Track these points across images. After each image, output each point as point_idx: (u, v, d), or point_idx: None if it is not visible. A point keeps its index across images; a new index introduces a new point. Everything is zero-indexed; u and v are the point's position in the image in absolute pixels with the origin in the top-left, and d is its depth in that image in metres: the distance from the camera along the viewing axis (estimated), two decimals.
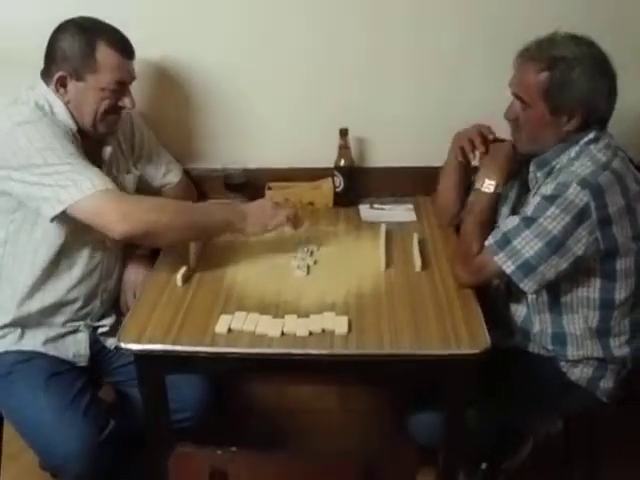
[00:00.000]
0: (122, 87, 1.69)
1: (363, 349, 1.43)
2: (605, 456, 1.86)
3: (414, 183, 2.10)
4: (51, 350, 1.73)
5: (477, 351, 1.41)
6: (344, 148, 2.04)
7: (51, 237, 1.67)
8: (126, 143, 1.89)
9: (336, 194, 2.08)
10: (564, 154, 1.58)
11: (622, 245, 1.54)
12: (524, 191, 1.72)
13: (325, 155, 2.05)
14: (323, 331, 1.46)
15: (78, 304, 1.77)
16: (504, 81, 1.88)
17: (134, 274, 1.86)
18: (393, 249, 1.80)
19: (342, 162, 2.04)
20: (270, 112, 2.09)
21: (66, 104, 1.65)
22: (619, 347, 1.66)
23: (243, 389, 2.37)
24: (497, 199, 1.67)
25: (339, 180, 2.05)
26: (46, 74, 1.66)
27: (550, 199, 1.50)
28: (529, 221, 1.52)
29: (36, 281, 1.70)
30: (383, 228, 1.87)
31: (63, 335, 1.77)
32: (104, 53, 1.63)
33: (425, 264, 1.71)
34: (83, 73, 1.63)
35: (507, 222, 1.57)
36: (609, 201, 1.49)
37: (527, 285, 1.54)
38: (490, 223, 1.67)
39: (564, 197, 1.48)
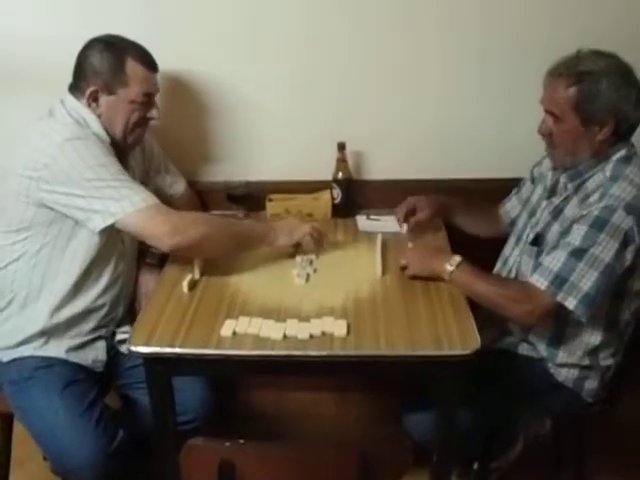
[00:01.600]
0: (149, 99, 1.77)
1: (360, 350, 1.49)
2: (592, 455, 1.92)
3: (409, 195, 2.09)
4: (72, 357, 1.78)
5: (468, 352, 1.47)
6: (342, 161, 2.09)
7: (86, 249, 1.73)
8: (140, 155, 1.95)
9: (334, 206, 2.13)
10: (597, 168, 1.63)
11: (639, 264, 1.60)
12: (544, 196, 1.78)
13: (324, 168, 2.10)
14: (323, 334, 1.53)
15: (105, 310, 1.83)
16: (497, 97, 1.97)
17: (145, 282, 1.93)
18: (389, 257, 1.86)
19: (340, 175, 2.10)
20: (271, 127, 2.14)
21: (98, 117, 1.72)
22: (604, 359, 1.73)
23: (243, 395, 2.42)
24: (465, 262, 1.68)
25: (337, 192, 2.11)
26: (76, 89, 1.73)
27: (598, 226, 1.53)
28: (580, 253, 1.54)
29: (69, 291, 1.76)
30: (379, 237, 1.93)
31: (86, 343, 1.81)
32: (133, 67, 1.71)
33: None
34: (114, 87, 1.71)
35: (551, 260, 1.57)
36: None
37: (586, 315, 1.56)
38: (482, 270, 1.69)
39: (611, 223, 1.52)
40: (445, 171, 2.15)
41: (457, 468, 1.98)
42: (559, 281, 1.55)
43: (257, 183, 2.14)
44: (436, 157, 2.16)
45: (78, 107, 1.72)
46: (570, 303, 1.55)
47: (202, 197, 2.19)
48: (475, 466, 1.97)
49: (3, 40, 1.99)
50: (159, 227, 1.64)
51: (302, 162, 2.16)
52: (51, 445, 1.68)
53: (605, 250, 1.53)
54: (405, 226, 1.98)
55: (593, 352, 1.71)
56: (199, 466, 1.23)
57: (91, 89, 1.70)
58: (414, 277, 1.73)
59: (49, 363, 1.75)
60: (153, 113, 1.79)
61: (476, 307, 1.65)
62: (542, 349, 1.75)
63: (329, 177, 2.12)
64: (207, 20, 2.01)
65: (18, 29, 2.00)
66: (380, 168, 2.19)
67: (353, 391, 2.37)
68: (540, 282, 1.57)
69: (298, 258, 1.86)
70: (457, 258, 1.68)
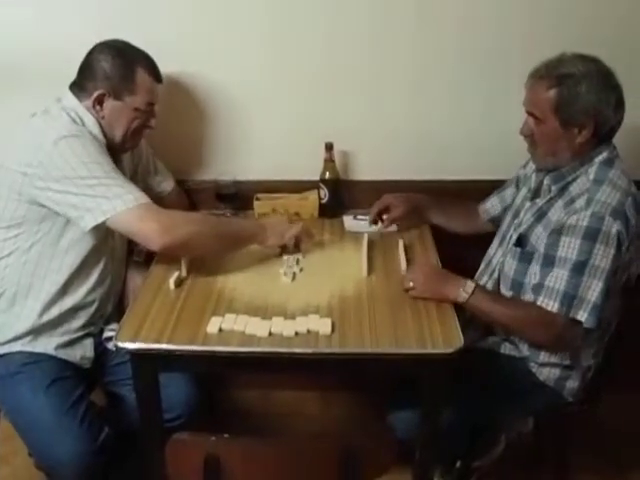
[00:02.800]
0: (151, 108, 1.80)
1: (345, 348, 1.51)
2: (573, 454, 1.94)
3: None
4: (61, 354, 1.79)
5: (451, 351, 1.49)
6: (329, 161, 2.11)
7: (77, 247, 1.74)
8: (129, 153, 1.95)
9: (321, 205, 2.15)
10: (580, 171, 1.65)
11: (621, 266, 1.62)
12: (528, 197, 1.80)
13: (311, 168, 2.12)
14: (308, 331, 1.55)
15: (94, 307, 1.84)
16: (484, 97, 1.99)
17: (132, 279, 1.94)
18: (375, 257, 1.88)
19: (327, 175, 2.12)
20: (259, 127, 2.15)
21: (100, 120, 1.74)
22: (586, 359, 1.75)
23: (229, 393, 2.43)
24: (479, 287, 1.67)
25: (324, 192, 2.13)
26: (81, 89, 1.74)
27: (590, 237, 1.55)
28: (580, 266, 1.56)
29: (59, 288, 1.76)
30: (365, 237, 1.95)
31: (75, 340, 1.82)
32: (142, 77, 1.75)
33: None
34: (121, 93, 1.73)
35: (554, 280, 1.58)
36: (631, 225, 1.58)
37: (595, 324, 1.58)
38: (496, 294, 1.76)
39: (603, 232, 1.54)
40: (432, 172, 2.17)
41: (440, 467, 2.00)
42: (568, 299, 1.57)
43: (245, 182, 2.16)
44: (424, 158, 2.18)
45: (76, 106, 1.73)
46: (582, 317, 1.57)
47: (191, 196, 2.19)
48: (457, 465, 1.99)
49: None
50: (149, 226, 1.63)
51: (290, 162, 2.17)
52: (36, 441, 1.68)
53: (604, 259, 1.55)
54: (375, 226, 2.01)
55: (575, 352, 1.73)
56: (185, 460, 1.24)
57: (99, 92, 1.72)
58: (420, 298, 1.68)
59: (37, 359, 1.75)
60: (152, 122, 1.82)
61: (460, 307, 1.67)
62: (524, 348, 1.77)
63: (317, 177, 2.13)
64: (195, 21, 2.02)
65: (15, 28, 2.01)
66: (367, 168, 2.21)
67: (338, 389, 2.38)
68: (550, 305, 1.59)
69: (285, 257, 1.87)
70: (471, 284, 1.65)
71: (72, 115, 1.72)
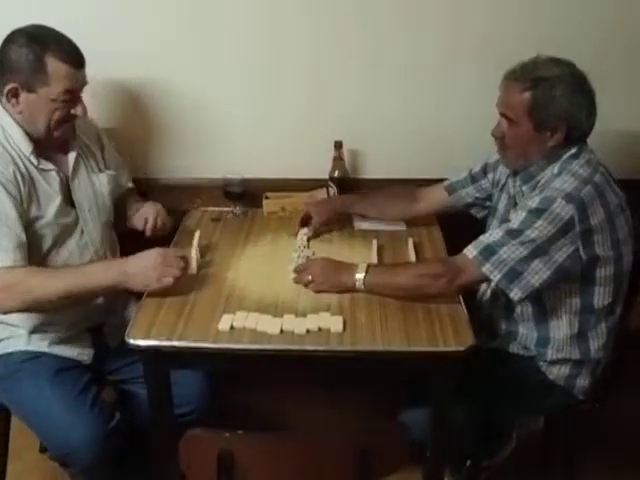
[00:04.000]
0: (72, 96, 1.68)
1: (357, 346, 1.52)
2: (583, 453, 1.94)
3: None
4: (56, 350, 1.77)
5: (462, 349, 1.50)
6: (338, 160, 2.11)
7: (38, 239, 1.70)
8: (94, 146, 1.89)
9: None
10: (547, 169, 1.65)
11: (601, 254, 1.60)
12: (511, 204, 1.79)
13: (320, 166, 2.13)
14: (320, 329, 1.55)
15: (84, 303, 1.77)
16: (492, 98, 1.99)
17: (153, 206, 1.91)
18: (384, 255, 1.89)
19: (336, 173, 2.13)
20: (269, 125, 2.16)
21: (17, 117, 1.67)
22: (596, 351, 1.74)
23: (240, 389, 2.43)
24: (372, 264, 1.72)
25: (333, 190, 2.13)
26: (0, 86, 1.66)
27: (536, 213, 1.55)
28: (515, 233, 1.57)
29: None
30: (374, 236, 1.97)
31: (70, 336, 1.80)
32: (54, 66, 1.62)
33: None
34: (34, 85, 1.63)
35: (487, 235, 1.61)
36: (591, 214, 1.56)
37: (513, 292, 1.58)
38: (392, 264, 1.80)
39: (550, 211, 1.54)
40: (440, 171, 2.15)
41: (450, 466, 2.00)
42: (488, 252, 1.58)
43: (254, 180, 2.16)
44: (432, 156, 2.18)
45: (1, 115, 1.68)
46: (495, 276, 1.58)
47: (199, 194, 2.20)
48: (467, 464, 1.99)
49: None
50: None
51: (299, 160, 2.18)
52: (48, 432, 1.67)
53: (540, 234, 1.55)
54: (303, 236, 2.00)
55: (582, 342, 1.72)
56: (198, 456, 1.25)
57: (10, 86, 1.63)
58: (321, 292, 1.70)
59: (34, 356, 1.74)
60: (78, 110, 1.70)
61: (471, 311, 1.66)
62: (532, 348, 1.77)
63: (325, 175, 2.14)
64: (203, 22, 2.03)
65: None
66: (376, 167, 2.22)
67: (349, 387, 2.38)
68: (469, 251, 1.61)
69: (294, 254, 1.88)
70: (363, 264, 1.68)
71: None
